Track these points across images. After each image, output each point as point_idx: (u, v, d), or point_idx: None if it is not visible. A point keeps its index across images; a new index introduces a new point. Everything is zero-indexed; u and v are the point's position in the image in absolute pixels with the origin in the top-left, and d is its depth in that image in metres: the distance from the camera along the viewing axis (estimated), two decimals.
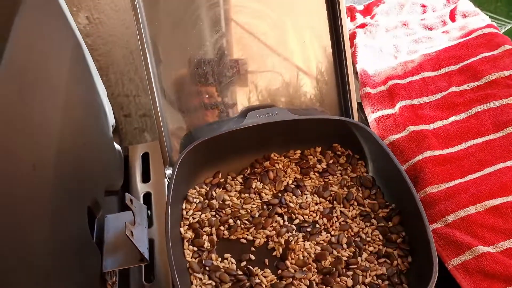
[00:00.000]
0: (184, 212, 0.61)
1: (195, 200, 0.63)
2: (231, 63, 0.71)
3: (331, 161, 0.67)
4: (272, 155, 0.68)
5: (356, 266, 0.55)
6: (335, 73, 0.72)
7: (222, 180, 0.66)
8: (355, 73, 0.76)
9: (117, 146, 0.67)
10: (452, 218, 0.55)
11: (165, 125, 0.68)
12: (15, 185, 0.33)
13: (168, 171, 0.67)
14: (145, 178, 0.71)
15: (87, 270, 0.46)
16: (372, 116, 0.69)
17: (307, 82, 0.72)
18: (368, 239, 0.58)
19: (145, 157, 0.74)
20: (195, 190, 0.64)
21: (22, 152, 0.34)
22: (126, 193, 0.51)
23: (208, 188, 0.65)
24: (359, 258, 0.56)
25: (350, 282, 0.54)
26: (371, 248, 0.57)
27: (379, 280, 0.54)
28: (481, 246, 0.51)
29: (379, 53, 0.77)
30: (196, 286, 0.54)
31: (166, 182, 0.68)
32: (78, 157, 0.47)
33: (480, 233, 0.53)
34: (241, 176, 0.67)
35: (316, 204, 0.63)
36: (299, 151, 0.69)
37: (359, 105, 0.74)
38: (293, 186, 0.65)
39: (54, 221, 0.38)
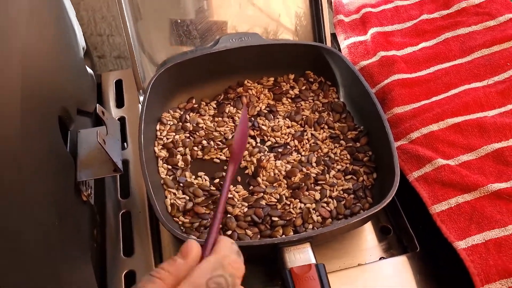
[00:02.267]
0: (158, 133, 0.65)
1: (169, 122, 0.66)
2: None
3: (303, 88, 0.71)
4: (246, 81, 0.71)
5: (324, 182, 0.60)
6: (310, 4, 0.75)
7: (196, 105, 0.69)
8: (330, 2, 0.79)
9: (89, 70, 0.69)
10: (415, 135, 0.59)
11: (139, 50, 0.70)
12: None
13: (141, 97, 0.70)
14: (119, 104, 0.73)
15: (62, 180, 0.49)
16: (344, 43, 0.72)
17: (281, 12, 0.74)
18: (336, 158, 0.63)
19: (119, 84, 0.76)
20: (169, 114, 0.67)
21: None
22: (97, 105, 0.54)
23: (182, 112, 0.68)
24: (327, 175, 0.61)
25: (318, 195, 0.58)
26: (339, 166, 0.62)
27: (345, 194, 0.59)
28: (440, 159, 0.56)
29: None
30: (170, 199, 0.58)
31: (140, 108, 0.71)
32: (44, 69, 0.48)
33: (441, 148, 0.58)
34: (215, 101, 0.70)
35: (288, 127, 0.66)
36: (272, 78, 0.72)
37: (333, 36, 0.77)
38: (266, 111, 0.68)
39: (25, 131, 0.40)
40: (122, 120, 0.71)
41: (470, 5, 0.72)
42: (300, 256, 0.50)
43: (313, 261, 0.50)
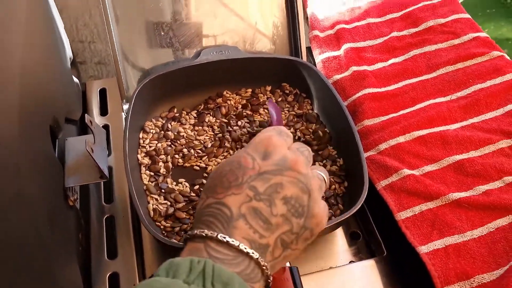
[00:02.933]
0: (141, 141, 0.68)
1: (151, 130, 0.69)
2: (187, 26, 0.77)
3: (279, 99, 0.75)
4: (225, 92, 0.75)
5: None
6: (287, 17, 0.79)
7: (177, 114, 0.72)
8: (306, 17, 0.83)
9: (75, 79, 0.71)
10: (384, 146, 0.64)
11: (122, 60, 0.73)
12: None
13: (125, 106, 0.73)
14: (103, 112, 0.76)
15: (52, 185, 0.52)
16: (319, 58, 0.77)
17: (260, 26, 0.78)
18: None
19: (103, 93, 0.79)
20: (151, 122, 0.70)
21: None
22: (86, 115, 0.57)
23: (164, 121, 0.71)
24: None
25: None
26: None
27: None
28: (406, 169, 0.61)
29: None
30: (152, 205, 0.61)
31: (124, 116, 0.74)
32: (39, 80, 0.51)
33: (407, 159, 0.62)
34: (195, 111, 0.73)
35: None
36: (250, 90, 0.76)
37: (308, 49, 0.82)
38: (244, 121, 0.72)
39: (22, 137, 0.43)
40: (106, 127, 0.74)
41: (437, 24, 0.77)
42: None
43: (287, 264, 0.53)
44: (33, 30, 0.52)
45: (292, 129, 0.71)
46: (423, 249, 0.55)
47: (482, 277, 0.52)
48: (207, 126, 0.71)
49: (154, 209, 0.61)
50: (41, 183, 0.47)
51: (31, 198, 0.43)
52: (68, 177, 0.56)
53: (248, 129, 0.70)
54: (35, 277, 0.42)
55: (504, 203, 0.57)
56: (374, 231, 0.63)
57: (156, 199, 0.62)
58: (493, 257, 0.54)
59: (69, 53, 0.70)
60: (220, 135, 0.69)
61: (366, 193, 0.58)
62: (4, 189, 0.38)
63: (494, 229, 0.56)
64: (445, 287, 0.52)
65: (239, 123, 0.71)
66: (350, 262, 0.61)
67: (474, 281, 0.52)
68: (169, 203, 0.62)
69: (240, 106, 0.73)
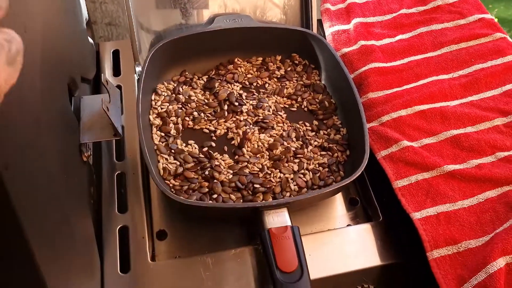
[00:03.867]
0: (153, 103, 0.72)
1: (163, 93, 0.74)
2: None
3: (289, 69, 0.79)
4: (236, 59, 0.79)
5: (302, 155, 0.69)
6: None
7: (188, 78, 0.77)
8: None
9: (90, 40, 0.75)
10: (386, 118, 0.68)
11: (136, 23, 0.76)
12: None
13: (138, 68, 0.77)
14: (116, 73, 0.80)
15: (69, 140, 0.57)
16: (329, 30, 0.80)
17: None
18: (314, 134, 0.72)
19: (116, 54, 0.83)
20: (163, 85, 0.75)
21: (17, 15, 0.43)
22: (102, 74, 0.61)
23: (175, 85, 0.75)
24: (305, 150, 0.69)
25: (296, 167, 0.67)
26: (315, 142, 0.71)
27: (320, 168, 0.68)
28: (406, 141, 0.65)
29: None
30: (162, 164, 0.66)
31: (136, 78, 0.78)
32: (58, 37, 0.55)
33: (407, 131, 0.67)
34: (206, 76, 0.77)
35: (273, 103, 0.75)
36: (260, 58, 0.80)
37: (319, 21, 0.85)
38: (253, 89, 0.76)
39: (43, 89, 0.47)
40: (118, 88, 0.78)
41: (445, 3, 0.81)
42: (278, 219, 0.59)
43: (289, 223, 0.59)
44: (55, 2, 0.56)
45: (299, 98, 0.75)
46: (416, 215, 0.60)
47: (469, 243, 0.57)
48: (217, 92, 0.75)
49: (163, 168, 0.66)
50: (59, 136, 0.52)
51: (50, 149, 0.48)
52: (83, 134, 0.61)
53: (254, 100, 0.75)
54: (53, 227, 0.46)
55: (495, 176, 0.62)
56: (371, 197, 0.68)
57: (166, 159, 0.67)
58: (480, 225, 0.59)
59: (84, 13, 0.74)
60: (229, 102, 0.74)
61: (367, 162, 0.63)
62: (26, 140, 0.42)
63: (483, 200, 0.61)
64: (434, 250, 0.57)
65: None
66: (348, 225, 0.67)
67: (461, 246, 0.57)
68: (178, 163, 0.67)
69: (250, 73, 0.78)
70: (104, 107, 0.58)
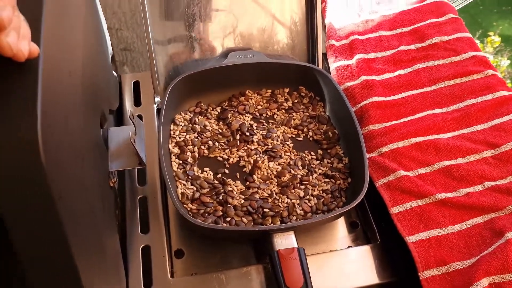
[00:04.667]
0: (172, 132, 0.81)
1: (181, 123, 0.83)
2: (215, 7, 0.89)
3: (296, 101, 0.88)
4: (247, 91, 0.88)
5: (307, 182, 0.77)
6: (306, 25, 0.92)
7: (203, 109, 0.86)
8: (324, 26, 0.96)
9: (114, 73, 0.84)
10: (384, 149, 0.77)
11: (156, 58, 0.85)
12: (62, 84, 0.50)
13: (157, 98, 0.86)
14: (136, 103, 0.89)
15: (102, 168, 0.66)
16: (333, 65, 0.89)
17: (281, 31, 0.91)
18: (318, 163, 0.80)
19: (136, 85, 0.92)
20: (181, 116, 0.84)
21: (63, 63, 0.52)
22: (128, 109, 0.70)
23: (192, 115, 0.84)
24: (310, 177, 0.78)
25: (302, 193, 0.76)
26: (320, 171, 0.79)
27: (324, 194, 0.76)
28: (402, 170, 0.74)
29: (345, 10, 0.96)
30: (181, 189, 0.75)
31: (155, 108, 0.87)
32: (93, 75, 0.64)
33: (404, 162, 0.75)
34: (220, 107, 0.86)
35: (281, 133, 0.83)
36: (270, 90, 0.89)
37: (324, 55, 0.94)
38: (263, 120, 0.85)
39: (85, 125, 0.56)
40: (139, 118, 0.87)
41: (441, 41, 0.89)
42: (286, 241, 0.68)
43: (296, 245, 0.67)
44: (88, 29, 0.65)
45: (305, 129, 0.84)
46: (410, 239, 0.68)
47: (457, 264, 0.66)
48: (229, 123, 0.84)
49: (182, 193, 0.75)
50: (96, 167, 0.61)
51: (90, 179, 0.57)
52: (111, 162, 0.70)
53: (264, 130, 0.83)
54: (91, 244, 0.55)
55: (482, 204, 0.70)
56: (370, 221, 0.76)
57: (184, 184, 0.76)
58: (468, 248, 0.67)
59: (110, 50, 0.83)
60: (241, 132, 0.82)
61: (366, 189, 0.71)
62: (73, 174, 0.51)
63: (471, 226, 0.69)
64: (425, 270, 0.65)
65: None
66: (348, 247, 0.75)
67: (450, 267, 0.66)
68: (195, 188, 0.76)
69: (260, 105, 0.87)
70: (131, 140, 0.67)
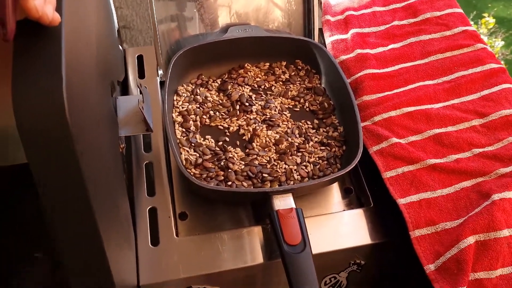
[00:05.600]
0: (175, 103, 0.84)
1: (183, 94, 0.86)
2: None
3: (293, 73, 0.91)
4: (246, 65, 0.91)
5: (304, 149, 0.81)
6: (303, 2, 0.94)
7: (204, 81, 0.89)
8: (320, 2, 0.99)
9: (120, 47, 0.87)
10: (377, 118, 0.80)
11: (159, 32, 0.88)
12: (80, 53, 0.54)
13: (160, 71, 0.89)
14: (140, 76, 0.92)
15: (113, 133, 0.69)
16: (329, 39, 0.93)
17: (278, 9, 0.94)
18: (314, 131, 0.84)
19: (139, 59, 0.95)
20: (183, 87, 0.87)
21: (81, 35, 0.55)
22: (137, 79, 0.73)
23: (193, 87, 0.87)
24: (307, 145, 0.81)
25: (299, 160, 0.79)
26: (316, 139, 0.83)
27: (320, 160, 0.80)
28: (394, 138, 0.78)
29: None
30: (185, 155, 0.78)
31: (158, 80, 0.90)
32: (103, 47, 0.67)
33: (396, 130, 0.79)
34: (220, 79, 0.90)
35: (279, 103, 0.87)
36: (268, 64, 0.92)
37: (320, 30, 0.97)
38: (261, 91, 0.89)
39: (99, 92, 0.60)
40: None
41: (433, 16, 0.93)
42: (284, 202, 0.71)
43: (294, 206, 0.71)
44: (99, 4, 0.68)
45: (302, 100, 0.87)
46: (401, 201, 0.72)
47: (445, 224, 0.70)
48: (229, 94, 0.87)
49: (186, 159, 0.78)
50: (108, 131, 0.64)
51: (105, 141, 0.60)
52: (120, 129, 0.73)
53: (262, 101, 0.87)
54: (107, 202, 0.58)
55: (470, 169, 0.74)
56: (364, 187, 0.80)
57: (187, 151, 0.79)
58: (456, 210, 0.71)
59: (116, 24, 0.86)
60: (240, 102, 0.86)
61: (360, 156, 0.75)
62: (91, 134, 0.54)
63: (459, 189, 0.73)
64: (416, 230, 0.70)
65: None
66: (343, 210, 0.79)
67: (438, 227, 0.70)
68: (198, 155, 0.79)
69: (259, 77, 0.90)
70: (140, 107, 0.70)
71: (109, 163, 0.61)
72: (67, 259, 0.52)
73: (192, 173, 0.77)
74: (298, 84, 0.90)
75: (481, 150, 0.76)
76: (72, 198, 0.48)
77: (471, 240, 0.66)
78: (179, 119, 0.83)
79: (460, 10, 0.94)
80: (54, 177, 0.46)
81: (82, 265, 0.54)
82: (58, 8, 0.46)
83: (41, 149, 0.44)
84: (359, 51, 0.89)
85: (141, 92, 0.74)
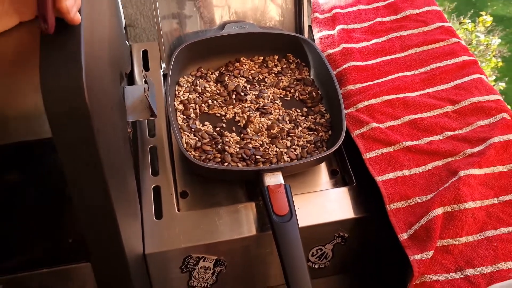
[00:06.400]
0: (177, 92, 0.93)
1: (184, 85, 0.94)
2: None
3: (284, 66, 0.99)
4: (242, 58, 1.00)
5: (294, 134, 0.89)
6: (294, 2, 1.03)
7: (203, 73, 0.97)
8: (309, 1, 1.07)
9: (127, 42, 0.96)
10: (359, 106, 0.88)
11: (162, 29, 0.97)
12: (96, 46, 0.62)
13: (163, 65, 0.97)
14: (145, 69, 1.01)
15: (123, 118, 0.77)
16: (317, 35, 1.01)
17: (272, 7, 1.02)
18: (303, 118, 0.92)
19: (144, 53, 1.03)
20: (184, 79, 0.95)
21: (96, 31, 0.63)
22: (143, 70, 0.81)
23: (193, 78, 0.96)
24: (296, 130, 0.90)
25: (289, 143, 0.88)
26: (304, 125, 0.91)
27: (308, 144, 0.88)
28: (374, 123, 0.86)
29: None
30: (185, 139, 0.87)
31: (161, 73, 0.99)
32: (114, 41, 0.76)
33: (376, 116, 0.87)
34: (218, 71, 0.98)
35: (272, 93, 0.95)
36: (261, 57, 1.00)
37: (309, 27, 1.06)
38: (255, 82, 0.97)
39: (111, 80, 0.68)
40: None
41: (413, 13, 1.01)
42: (274, 179, 0.80)
43: (282, 182, 0.79)
44: (111, 6, 0.76)
45: (292, 90, 0.95)
46: (379, 178, 0.80)
47: (418, 198, 0.78)
48: (226, 84, 0.96)
49: (186, 143, 0.86)
50: (119, 115, 0.72)
51: (117, 123, 0.68)
52: (128, 114, 0.81)
53: (256, 91, 0.95)
54: (118, 177, 0.66)
55: (442, 150, 0.82)
56: (348, 168, 0.88)
57: (188, 135, 0.87)
58: (428, 186, 0.79)
59: (123, 21, 0.94)
60: (236, 92, 0.94)
61: (343, 138, 0.83)
62: (106, 114, 0.62)
63: (431, 168, 0.81)
64: (391, 204, 0.78)
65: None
66: (329, 189, 0.87)
67: (412, 200, 0.78)
68: (197, 139, 0.87)
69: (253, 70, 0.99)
70: (146, 94, 0.79)
71: (120, 143, 0.69)
72: (86, 227, 0.60)
73: (192, 155, 0.85)
74: (289, 76, 0.98)
75: (452, 133, 0.85)
76: (89, 168, 0.55)
77: (439, 211, 0.74)
78: (180, 107, 0.91)
79: (437, 8, 1.02)
80: (74, 149, 0.54)
81: (98, 233, 0.62)
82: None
83: (65, 125, 0.52)
84: (344, 45, 0.97)
85: (146, 82, 0.82)
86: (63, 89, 0.51)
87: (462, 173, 0.77)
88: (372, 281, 0.91)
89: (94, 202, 0.58)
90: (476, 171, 0.78)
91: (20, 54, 0.58)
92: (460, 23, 4.60)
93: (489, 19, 4.74)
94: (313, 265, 0.87)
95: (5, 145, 0.58)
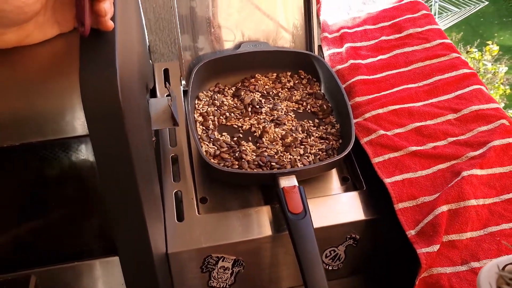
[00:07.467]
0: (196, 106, 0.99)
1: (203, 99, 1.00)
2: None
3: (296, 81, 1.06)
4: (257, 75, 1.06)
5: (306, 143, 0.94)
6: (305, 23, 1.10)
7: (221, 89, 1.03)
8: (319, 23, 1.14)
9: (150, 61, 1.03)
10: (367, 115, 0.94)
11: (182, 50, 1.04)
12: (127, 54, 0.69)
13: (183, 82, 1.04)
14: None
15: (148, 127, 0.83)
16: (327, 53, 1.07)
17: (284, 30, 1.09)
18: (315, 128, 0.97)
19: (166, 71, 1.10)
20: (203, 93, 1.02)
21: (127, 41, 0.70)
22: (166, 82, 0.88)
23: (212, 93, 1.02)
24: (308, 139, 0.95)
25: (302, 151, 0.93)
26: (316, 134, 0.96)
27: (320, 152, 0.93)
28: (382, 130, 0.91)
29: (337, 9, 1.15)
30: (205, 148, 0.92)
31: (182, 89, 1.05)
32: (141, 56, 0.83)
33: (383, 124, 0.92)
34: (234, 87, 1.04)
35: (285, 106, 1.01)
36: (275, 74, 1.07)
37: (319, 46, 1.12)
38: (270, 96, 1.03)
39: (139, 89, 0.74)
40: (168, 95, 1.05)
41: (415, 32, 1.07)
42: (289, 182, 0.84)
43: (297, 184, 0.84)
44: (137, 20, 0.84)
45: (304, 103, 1.01)
46: (387, 180, 0.85)
47: (424, 198, 0.82)
48: (242, 98, 1.02)
49: (206, 151, 0.92)
50: (145, 123, 0.78)
51: (144, 129, 0.74)
52: (153, 124, 0.88)
53: (270, 104, 1.01)
54: (146, 181, 0.71)
55: (445, 154, 0.87)
56: (358, 174, 0.93)
57: (207, 145, 0.93)
58: (433, 187, 0.84)
59: (147, 41, 1.01)
60: (251, 105, 1.00)
61: (352, 145, 0.88)
62: (135, 119, 0.68)
63: (436, 170, 0.86)
64: (399, 203, 0.82)
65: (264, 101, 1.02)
66: (341, 193, 0.92)
67: (418, 200, 0.82)
68: (216, 148, 0.93)
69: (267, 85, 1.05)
70: (169, 103, 0.85)
71: (147, 148, 0.75)
72: (116, 224, 0.64)
73: (211, 163, 0.91)
74: (301, 90, 1.04)
75: (454, 138, 0.89)
76: (121, 165, 0.61)
77: (444, 208, 0.78)
78: (200, 119, 0.97)
79: (438, 27, 1.08)
80: (108, 146, 0.59)
81: (127, 227, 0.66)
82: (112, 18, 0.61)
83: (100, 123, 0.58)
84: (352, 61, 1.03)
85: (169, 95, 0.89)
86: (100, 89, 0.56)
87: (465, 173, 0.82)
88: (383, 282, 0.95)
89: (125, 196, 0.63)
90: (478, 172, 0.82)
91: (57, 61, 0.64)
92: (467, 52, 4.68)
93: (495, 48, 4.82)
94: (328, 267, 0.91)
95: (42, 142, 0.63)
